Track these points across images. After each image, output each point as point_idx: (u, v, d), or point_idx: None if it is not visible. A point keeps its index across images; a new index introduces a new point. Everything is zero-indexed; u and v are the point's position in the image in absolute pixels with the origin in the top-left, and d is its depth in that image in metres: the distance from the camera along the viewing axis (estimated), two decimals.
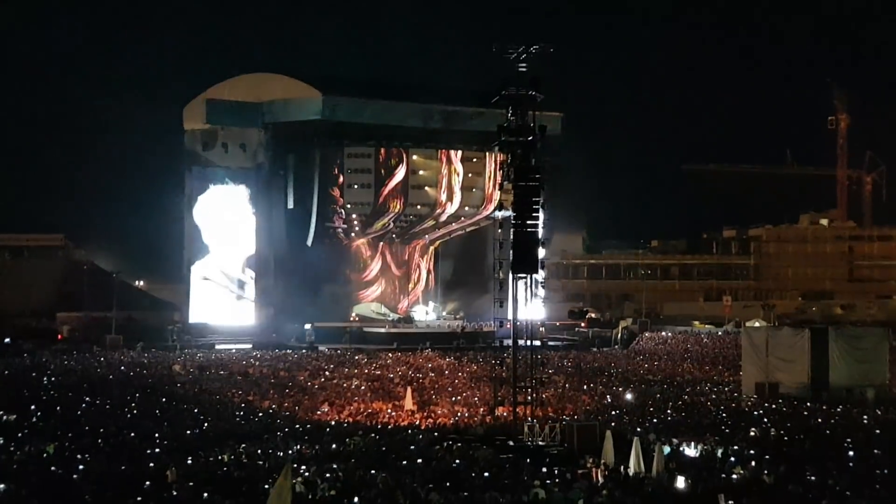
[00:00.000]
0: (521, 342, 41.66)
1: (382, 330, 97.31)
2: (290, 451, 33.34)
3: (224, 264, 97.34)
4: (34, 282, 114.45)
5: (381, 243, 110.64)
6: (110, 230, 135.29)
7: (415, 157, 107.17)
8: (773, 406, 48.23)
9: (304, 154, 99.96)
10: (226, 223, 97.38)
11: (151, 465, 30.75)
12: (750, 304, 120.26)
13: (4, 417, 40.26)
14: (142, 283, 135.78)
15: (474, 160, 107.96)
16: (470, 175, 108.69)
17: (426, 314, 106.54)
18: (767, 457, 32.62)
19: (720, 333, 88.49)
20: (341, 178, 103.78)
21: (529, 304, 41.50)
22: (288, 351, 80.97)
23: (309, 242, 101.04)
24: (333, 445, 34.89)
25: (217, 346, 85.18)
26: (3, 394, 48.19)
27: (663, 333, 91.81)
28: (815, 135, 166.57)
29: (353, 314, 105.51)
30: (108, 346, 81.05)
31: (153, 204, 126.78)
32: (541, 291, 43.16)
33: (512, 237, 40.01)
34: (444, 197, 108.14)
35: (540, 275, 40.98)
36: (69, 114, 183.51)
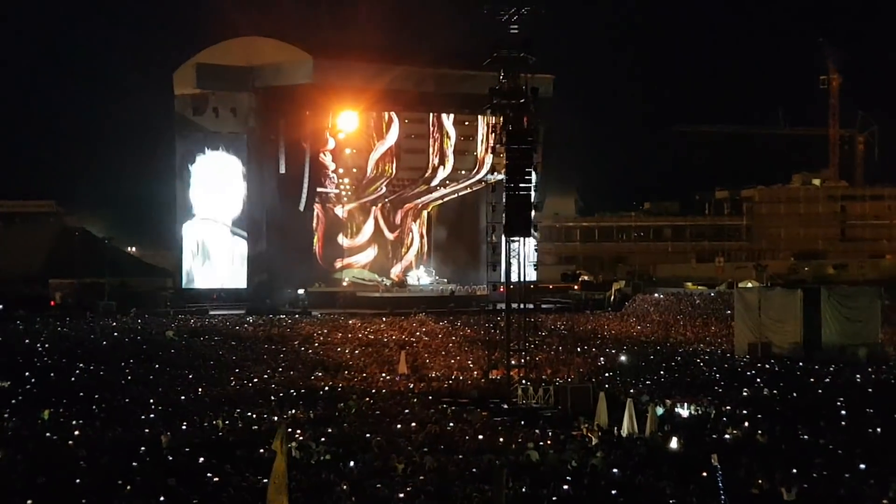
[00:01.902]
0: (514, 305, 41.71)
1: (376, 294, 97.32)
2: (284, 416, 33.41)
3: (215, 229, 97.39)
4: (26, 248, 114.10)
5: (374, 208, 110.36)
6: (102, 196, 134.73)
7: (406, 120, 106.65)
8: (766, 366, 48.36)
9: (295, 118, 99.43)
10: (217, 188, 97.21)
11: (146, 430, 30.82)
12: (742, 265, 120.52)
13: None
14: (134, 249, 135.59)
15: (466, 123, 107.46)
16: (462, 139, 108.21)
17: (418, 279, 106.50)
18: (760, 417, 32.79)
19: (712, 294, 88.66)
20: (333, 143, 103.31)
21: (522, 267, 41.55)
22: (281, 316, 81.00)
23: (301, 207, 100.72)
24: (328, 410, 34.97)
25: (210, 312, 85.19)
26: None
27: (656, 295, 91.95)
28: (806, 94, 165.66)
29: (345, 279, 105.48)
30: (101, 313, 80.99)
31: (144, 170, 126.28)
32: (533, 254, 43.24)
33: (504, 200, 39.96)
34: (435, 161, 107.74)
35: (533, 238, 41.04)
36: (58, 79, 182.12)
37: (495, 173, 42.82)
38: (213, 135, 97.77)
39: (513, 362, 40.38)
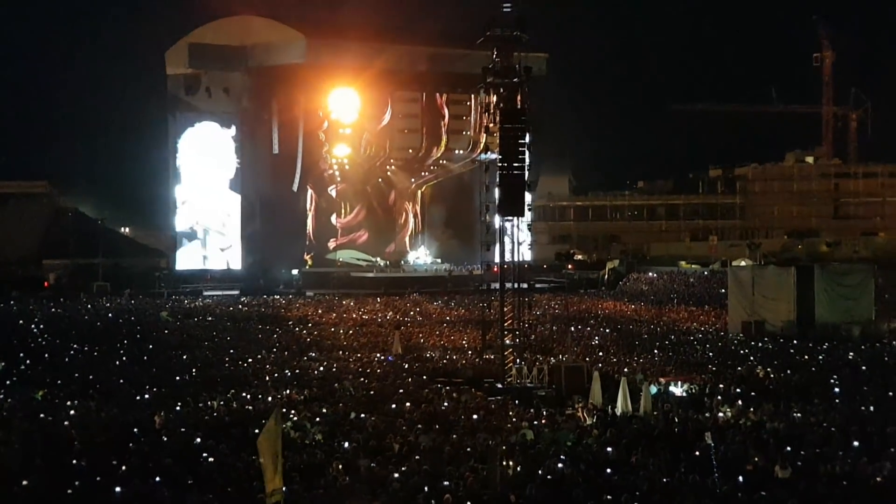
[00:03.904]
0: (508, 285, 41.70)
1: (370, 275, 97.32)
2: (279, 396, 33.42)
3: (208, 211, 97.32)
4: (19, 229, 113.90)
5: (367, 188, 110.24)
6: (95, 176, 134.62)
7: (399, 100, 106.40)
8: (760, 344, 48.49)
9: (289, 98, 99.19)
10: (211, 169, 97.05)
11: (140, 411, 30.78)
12: (736, 244, 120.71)
13: None
14: (127, 229, 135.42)
15: (460, 103, 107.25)
16: (456, 118, 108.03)
17: (416, 259, 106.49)
18: (754, 395, 32.87)
19: (706, 273, 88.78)
20: (326, 123, 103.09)
21: (516, 247, 41.53)
22: (275, 296, 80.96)
23: (295, 188, 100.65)
24: (322, 390, 34.97)
25: (205, 293, 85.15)
26: None
27: (650, 274, 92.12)
28: (800, 72, 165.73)
29: (338, 259, 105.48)
30: (95, 293, 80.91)
31: (138, 150, 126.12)
32: (527, 234, 43.20)
33: (498, 180, 39.87)
34: (429, 140, 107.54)
35: (526, 217, 40.98)
36: (51, 60, 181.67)
37: (489, 153, 42.59)
38: (207, 114, 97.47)
39: (507, 342, 40.40)
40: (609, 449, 25.11)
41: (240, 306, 71.86)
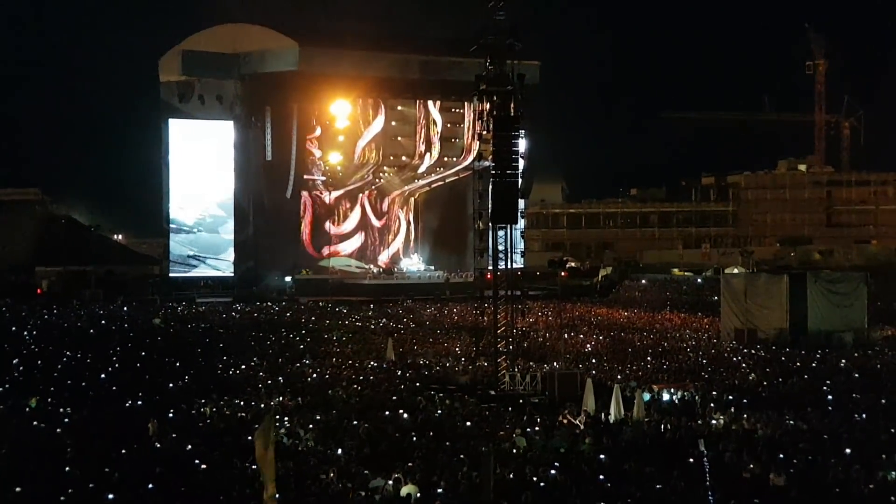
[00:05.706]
0: (501, 292, 41.73)
1: (364, 282, 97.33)
2: (272, 403, 33.40)
3: (202, 216, 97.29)
4: (11, 237, 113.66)
5: (360, 195, 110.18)
6: (87, 184, 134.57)
7: (392, 107, 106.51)
8: (752, 352, 48.55)
9: (282, 105, 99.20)
10: (204, 175, 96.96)
11: (133, 418, 30.75)
12: (728, 251, 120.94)
13: None
14: (120, 236, 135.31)
15: (453, 111, 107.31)
16: (449, 125, 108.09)
17: (410, 266, 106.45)
18: (747, 402, 32.92)
19: (699, 281, 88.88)
20: (319, 130, 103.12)
21: (509, 254, 41.59)
22: (268, 303, 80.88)
23: (288, 195, 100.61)
24: (316, 397, 34.95)
25: (197, 300, 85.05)
26: None
27: (643, 281, 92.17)
28: (792, 80, 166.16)
29: (331, 266, 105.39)
30: (87, 301, 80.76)
31: (130, 157, 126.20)
32: (520, 241, 43.25)
33: (491, 187, 39.95)
34: (422, 148, 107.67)
35: (520, 225, 41.03)
36: (44, 67, 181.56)
37: (482, 160, 42.97)
38: (200, 122, 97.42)
39: (500, 349, 40.42)
40: (602, 456, 25.16)
41: (233, 313, 71.77)
